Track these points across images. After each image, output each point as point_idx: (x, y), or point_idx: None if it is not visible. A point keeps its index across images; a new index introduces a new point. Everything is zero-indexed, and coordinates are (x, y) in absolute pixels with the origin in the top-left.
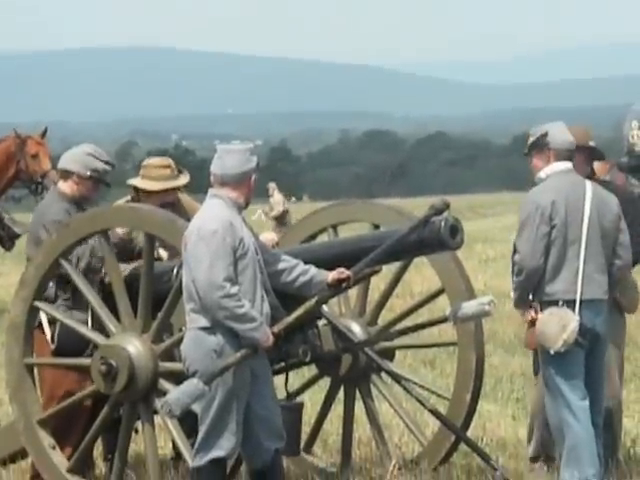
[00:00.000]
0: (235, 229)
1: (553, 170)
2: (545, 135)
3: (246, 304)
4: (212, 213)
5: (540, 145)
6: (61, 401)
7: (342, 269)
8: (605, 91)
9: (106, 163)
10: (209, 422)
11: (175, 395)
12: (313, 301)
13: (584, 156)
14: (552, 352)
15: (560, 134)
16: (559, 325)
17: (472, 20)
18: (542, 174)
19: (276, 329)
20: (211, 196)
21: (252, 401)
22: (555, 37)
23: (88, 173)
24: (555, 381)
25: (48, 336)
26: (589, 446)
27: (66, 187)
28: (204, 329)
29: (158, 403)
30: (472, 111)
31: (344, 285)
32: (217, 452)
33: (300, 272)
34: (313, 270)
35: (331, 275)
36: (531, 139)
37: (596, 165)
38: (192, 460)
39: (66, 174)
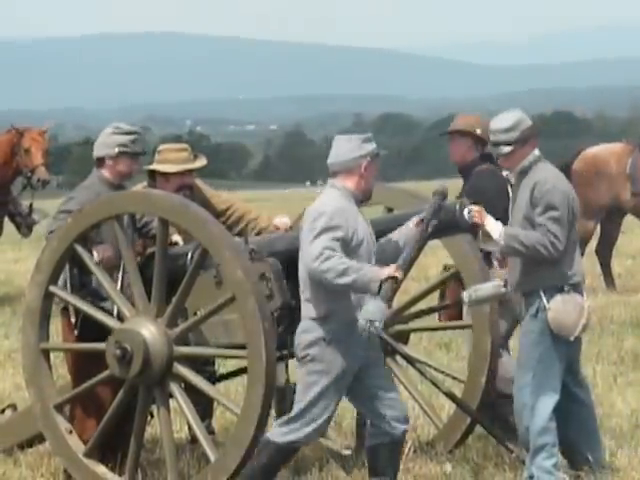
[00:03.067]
0: (348, 218)
1: (535, 155)
2: (531, 127)
3: (347, 260)
4: (327, 200)
5: (528, 136)
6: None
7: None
8: (622, 72)
9: (128, 133)
10: (306, 403)
11: (372, 309)
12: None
13: (472, 141)
14: (572, 339)
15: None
16: (576, 311)
17: (486, 1)
18: (526, 162)
19: (395, 266)
20: (329, 186)
21: (370, 382)
22: (571, 17)
23: (116, 150)
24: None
25: (73, 322)
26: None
27: (104, 173)
28: (314, 320)
29: (362, 320)
30: (486, 93)
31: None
32: (299, 436)
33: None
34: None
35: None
36: (516, 133)
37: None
38: (271, 433)
39: (99, 161)
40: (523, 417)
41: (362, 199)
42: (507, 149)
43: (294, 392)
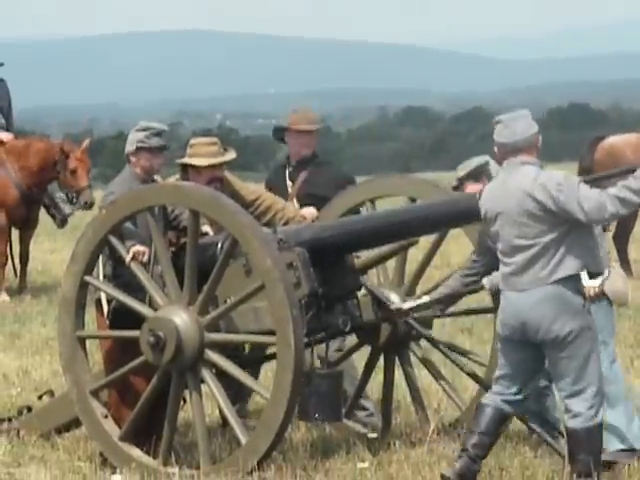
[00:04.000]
0: None
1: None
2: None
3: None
4: (538, 170)
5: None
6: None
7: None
8: (638, 65)
9: (145, 130)
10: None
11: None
12: None
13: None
14: (629, 302)
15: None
16: (620, 278)
17: None
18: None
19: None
20: (521, 164)
21: None
22: (586, 12)
23: (135, 146)
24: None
25: (105, 313)
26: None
27: (133, 168)
28: (558, 282)
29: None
30: (504, 86)
31: None
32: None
33: None
34: None
35: None
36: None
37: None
38: (580, 420)
39: (126, 158)
40: None
41: None
42: None
43: (321, 377)
